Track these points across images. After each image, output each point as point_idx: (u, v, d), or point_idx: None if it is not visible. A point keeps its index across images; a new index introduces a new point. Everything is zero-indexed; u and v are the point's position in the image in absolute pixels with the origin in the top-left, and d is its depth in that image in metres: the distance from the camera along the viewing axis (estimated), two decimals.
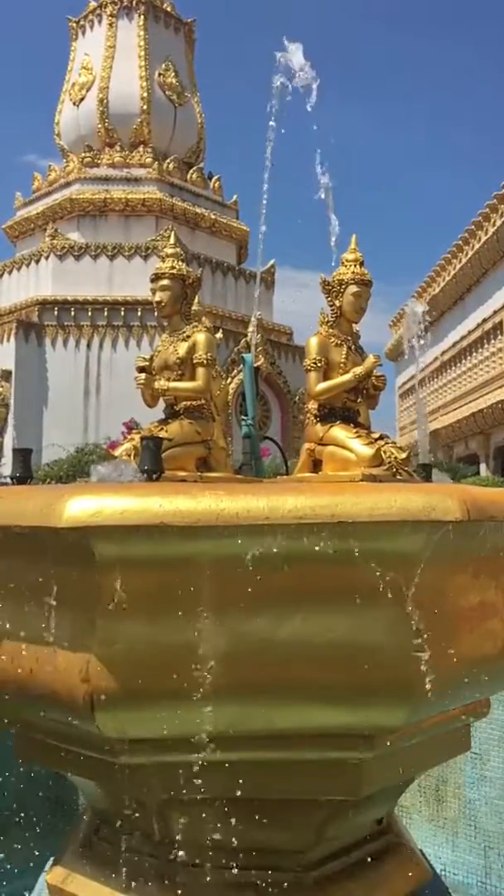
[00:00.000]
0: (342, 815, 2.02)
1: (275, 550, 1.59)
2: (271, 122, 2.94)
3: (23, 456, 2.47)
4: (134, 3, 20.55)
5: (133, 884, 2.03)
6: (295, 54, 2.84)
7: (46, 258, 18.52)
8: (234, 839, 1.87)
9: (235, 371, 12.60)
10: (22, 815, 2.49)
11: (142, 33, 20.37)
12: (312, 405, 2.69)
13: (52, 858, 2.34)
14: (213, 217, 20.38)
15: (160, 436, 2.47)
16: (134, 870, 2.05)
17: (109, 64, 20.13)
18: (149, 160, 19.56)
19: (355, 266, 2.69)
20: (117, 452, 2.64)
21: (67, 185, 19.82)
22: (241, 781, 1.77)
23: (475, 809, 3.03)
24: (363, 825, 2.19)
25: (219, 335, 3.10)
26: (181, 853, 1.95)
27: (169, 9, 21.44)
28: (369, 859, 2.16)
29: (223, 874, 1.94)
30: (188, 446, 2.63)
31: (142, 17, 20.49)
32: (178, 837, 1.93)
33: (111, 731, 1.66)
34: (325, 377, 2.63)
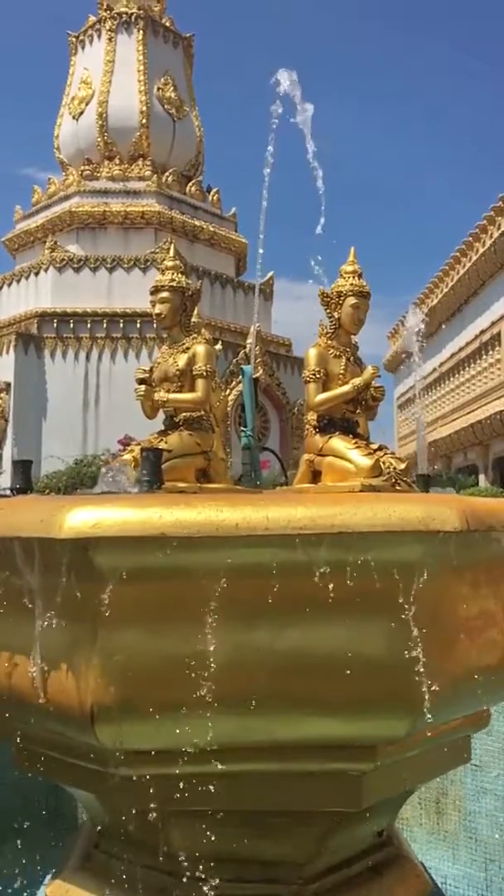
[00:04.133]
0: (343, 826, 2.01)
1: (275, 561, 1.59)
2: (270, 136, 2.96)
3: (23, 467, 2.48)
4: (133, 18, 20.72)
5: None
6: (291, 78, 2.88)
7: (46, 270, 18.58)
8: (233, 851, 1.87)
9: (234, 382, 12.62)
10: (22, 827, 2.48)
11: (141, 48, 20.52)
12: (312, 416, 2.70)
13: (52, 871, 2.33)
14: (211, 229, 20.47)
15: (160, 447, 2.47)
16: (133, 883, 2.04)
17: (109, 78, 20.27)
18: (148, 173, 19.67)
19: (354, 278, 2.71)
20: (117, 463, 2.64)
21: (67, 197, 19.92)
22: (241, 793, 1.77)
23: (476, 822, 3.01)
24: (364, 837, 2.18)
25: (218, 347, 3.12)
26: (181, 866, 1.94)
27: (168, 24, 21.62)
28: (370, 871, 2.15)
29: (223, 887, 1.93)
30: (188, 457, 2.63)
31: (141, 32, 20.65)
32: (177, 850, 1.92)
33: (111, 742, 1.66)
34: (324, 388, 2.64)
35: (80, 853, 2.28)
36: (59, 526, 1.59)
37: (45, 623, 1.71)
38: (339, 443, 2.55)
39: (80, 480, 12.23)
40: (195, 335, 2.83)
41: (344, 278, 2.72)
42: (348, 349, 2.72)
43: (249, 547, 1.58)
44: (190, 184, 20.68)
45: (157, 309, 2.82)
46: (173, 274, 2.83)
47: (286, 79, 2.86)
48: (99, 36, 21.03)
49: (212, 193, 21.43)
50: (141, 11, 20.80)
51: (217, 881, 1.91)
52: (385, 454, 2.49)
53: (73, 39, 21.61)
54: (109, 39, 20.66)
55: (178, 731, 1.62)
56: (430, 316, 28.14)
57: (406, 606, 1.63)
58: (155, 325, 2.98)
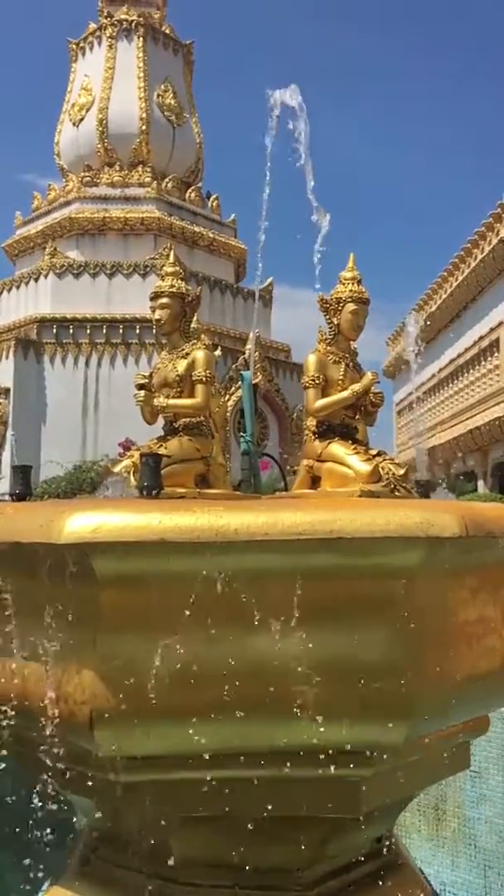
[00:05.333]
0: (342, 832, 2.01)
1: (274, 566, 1.60)
2: (269, 141, 2.98)
3: (23, 472, 2.47)
4: (133, 25, 20.80)
5: None
6: (291, 90, 2.89)
7: (45, 276, 18.61)
8: (232, 857, 1.86)
9: (234, 388, 12.64)
10: (19, 833, 2.47)
11: (141, 55, 20.60)
12: (311, 422, 2.70)
13: (50, 878, 2.32)
14: (211, 235, 20.52)
15: (159, 452, 2.48)
16: (132, 889, 2.03)
17: (109, 85, 20.35)
18: (147, 179, 19.72)
19: (353, 284, 2.71)
20: (117, 469, 2.65)
21: (67, 204, 19.97)
22: (239, 799, 1.77)
23: (475, 828, 3.01)
24: (363, 843, 2.17)
25: (217, 352, 3.12)
26: (179, 872, 1.94)
27: (168, 31, 21.71)
28: (369, 878, 2.15)
29: (222, 892, 1.92)
30: (187, 463, 2.64)
31: (141, 39, 20.74)
32: (176, 856, 1.92)
33: (110, 748, 1.65)
34: (324, 394, 2.65)
35: (78, 859, 2.28)
36: (58, 531, 1.59)
37: (45, 628, 1.71)
38: (338, 448, 2.56)
39: (80, 486, 12.24)
40: (195, 341, 2.84)
41: (343, 284, 2.72)
42: (347, 355, 2.72)
43: (249, 552, 1.58)
44: (189, 190, 20.74)
45: (157, 315, 2.82)
46: (173, 280, 2.83)
47: (287, 93, 2.88)
48: (99, 43, 21.11)
49: (211, 199, 21.49)
50: (141, 19, 20.89)
51: (216, 887, 1.91)
52: (384, 460, 2.50)
53: (74, 46, 21.70)
54: (110, 46, 20.75)
55: (176, 736, 1.62)
56: (430, 322, 28.17)
57: (404, 612, 1.64)
58: (154, 331, 3.00)
